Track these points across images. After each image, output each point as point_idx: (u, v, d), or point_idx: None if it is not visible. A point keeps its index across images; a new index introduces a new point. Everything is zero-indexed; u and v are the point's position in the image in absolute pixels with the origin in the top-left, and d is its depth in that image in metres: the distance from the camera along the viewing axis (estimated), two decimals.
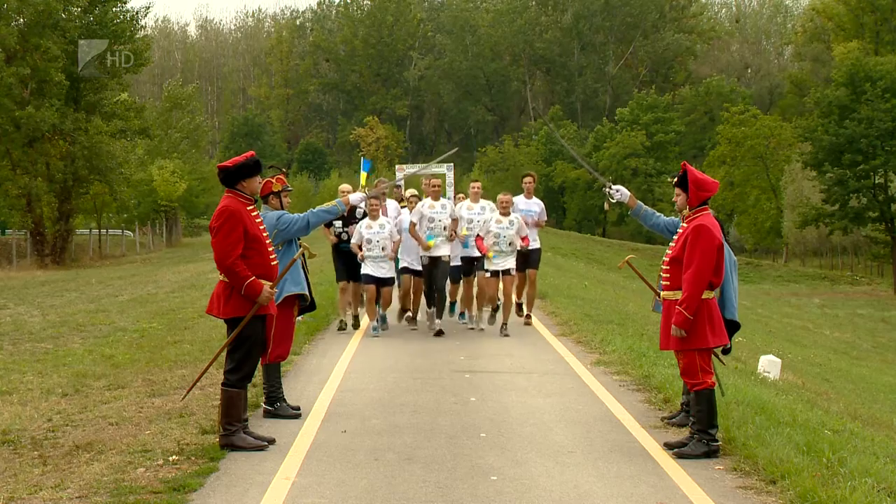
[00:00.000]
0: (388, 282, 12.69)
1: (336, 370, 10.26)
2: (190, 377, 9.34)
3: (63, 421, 8.24)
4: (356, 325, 13.27)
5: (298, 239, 8.38)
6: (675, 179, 7.34)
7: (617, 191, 8.34)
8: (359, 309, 13.62)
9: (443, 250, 12.76)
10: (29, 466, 6.79)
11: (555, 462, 6.82)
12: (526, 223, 13.00)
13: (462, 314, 14.15)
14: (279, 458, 6.79)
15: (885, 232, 47.89)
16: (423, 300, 13.60)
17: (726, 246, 7.41)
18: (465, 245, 13.05)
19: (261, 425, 7.65)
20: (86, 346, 13.31)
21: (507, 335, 12.70)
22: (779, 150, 58.19)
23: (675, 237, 7.36)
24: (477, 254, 12.89)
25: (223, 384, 7.06)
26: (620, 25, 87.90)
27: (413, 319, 13.54)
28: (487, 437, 7.45)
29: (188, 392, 7.96)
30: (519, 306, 13.87)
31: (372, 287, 12.51)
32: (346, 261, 12.80)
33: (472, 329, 13.29)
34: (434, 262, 12.83)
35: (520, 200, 13.54)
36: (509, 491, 6.14)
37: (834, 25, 69.11)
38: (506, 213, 12.71)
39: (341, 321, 13.25)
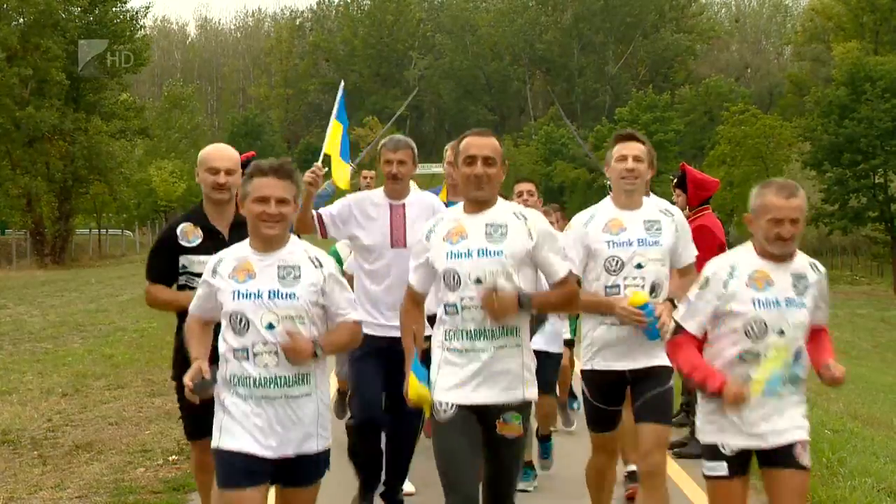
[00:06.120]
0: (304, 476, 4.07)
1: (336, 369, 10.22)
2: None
3: (63, 421, 8.24)
4: None
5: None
6: (675, 181, 7.34)
7: None
8: None
9: (485, 393, 4.03)
10: (29, 466, 6.79)
11: (555, 462, 6.81)
12: None
13: (547, 441, 6.76)
14: None
15: (885, 232, 47.87)
16: None
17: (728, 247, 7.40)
18: (652, 334, 4.58)
19: None
20: (86, 346, 13.31)
21: None
22: (779, 150, 58.16)
23: None
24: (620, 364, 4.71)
25: None
26: (620, 25, 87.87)
27: None
28: None
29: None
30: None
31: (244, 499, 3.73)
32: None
33: None
34: (469, 432, 4.09)
35: None
36: None
37: (834, 25, 69.06)
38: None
39: None
